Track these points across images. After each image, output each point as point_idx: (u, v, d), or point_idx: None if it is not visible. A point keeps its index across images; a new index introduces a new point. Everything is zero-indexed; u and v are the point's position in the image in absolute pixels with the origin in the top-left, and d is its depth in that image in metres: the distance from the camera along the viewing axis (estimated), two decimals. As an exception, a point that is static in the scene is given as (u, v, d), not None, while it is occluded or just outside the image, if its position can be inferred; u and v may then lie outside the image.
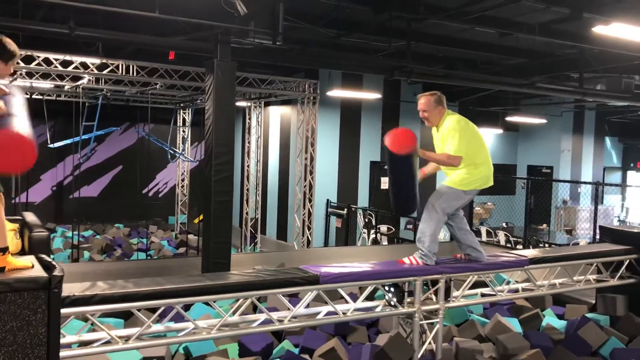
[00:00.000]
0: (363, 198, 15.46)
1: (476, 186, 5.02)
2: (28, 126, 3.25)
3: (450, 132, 4.90)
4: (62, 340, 3.55)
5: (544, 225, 16.38)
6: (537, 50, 11.16)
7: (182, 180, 18.93)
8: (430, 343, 5.02)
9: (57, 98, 15.38)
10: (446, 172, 5.10)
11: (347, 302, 4.95)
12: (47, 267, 3.54)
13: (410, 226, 14.64)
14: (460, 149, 4.85)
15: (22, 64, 10.73)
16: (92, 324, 3.95)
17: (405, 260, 5.05)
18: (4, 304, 3.20)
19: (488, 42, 10.97)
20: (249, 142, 16.83)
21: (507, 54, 11.49)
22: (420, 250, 5.02)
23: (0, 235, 3.52)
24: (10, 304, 3.22)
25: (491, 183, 5.10)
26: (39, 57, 10.80)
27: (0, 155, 3.02)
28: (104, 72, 11.71)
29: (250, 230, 16.42)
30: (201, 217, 16.78)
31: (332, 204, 14.83)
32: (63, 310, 3.49)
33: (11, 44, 3.52)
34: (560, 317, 6.90)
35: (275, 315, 4.51)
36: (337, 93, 13.73)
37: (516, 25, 9.41)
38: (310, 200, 14.04)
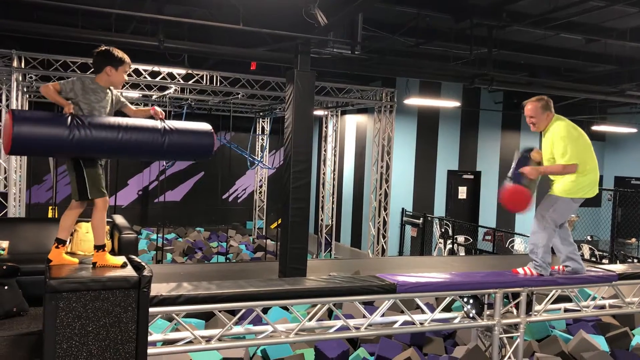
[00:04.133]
0: (439, 207, 15.24)
1: (584, 194, 4.91)
2: None
3: (559, 140, 4.80)
4: (149, 338, 3.71)
5: (633, 240, 15.53)
6: (627, 57, 10.67)
7: (260, 186, 19.34)
8: (510, 358, 4.89)
9: (145, 107, 16.13)
10: (553, 179, 4.96)
11: (423, 312, 4.91)
12: (137, 267, 3.73)
13: (489, 237, 14.29)
14: (573, 156, 4.77)
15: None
16: (176, 324, 4.12)
17: (520, 270, 5.04)
18: (98, 300, 3.40)
19: (573, 48, 10.60)
20: (325, 150, 16.99)
21: (594, 60, 11.06)
22: (534, 261, 4.98)
23: (100, 234, 3.77)
24: (104, 301, 3.41)
25: (597, 191, 4.96)
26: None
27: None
28: (189, 82, 12.20)
29: (325, 237, 16.54)
30: (278, 222, 17.08)
31: (407, 212, 14.71)
32: (151, 309, 3.66)
33: (119, 52, 3.81)
34: (652, 337, 6.52)
35: (351, 322, 4.53)
36: (415, 101, 13.63)
37: (605, 31, 9.05)
38: (385, 209, 13.99)
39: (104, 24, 8.93)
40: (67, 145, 3.52)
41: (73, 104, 3.65)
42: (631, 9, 7.94)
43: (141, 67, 11.48)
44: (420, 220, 14.09)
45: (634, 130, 16.28)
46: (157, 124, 3.81)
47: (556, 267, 5.22)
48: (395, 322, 4.73)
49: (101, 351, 3.38)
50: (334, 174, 16.53)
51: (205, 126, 3.99)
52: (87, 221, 7.13)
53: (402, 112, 14.20)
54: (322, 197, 16.92)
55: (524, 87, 11.15)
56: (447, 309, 5.52)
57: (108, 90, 3.85)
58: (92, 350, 3.36)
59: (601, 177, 17.87)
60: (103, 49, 3.83)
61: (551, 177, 4.98)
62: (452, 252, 13.34)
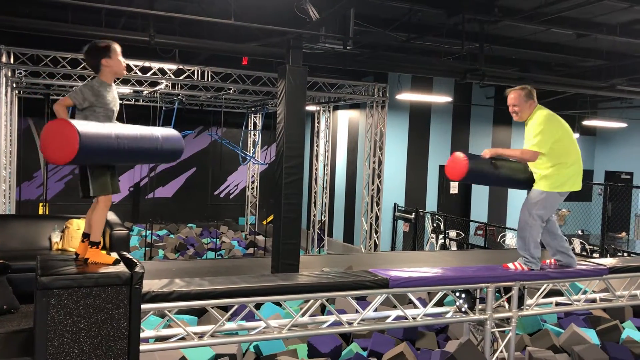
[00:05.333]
0: (431, 202, 15.28)
1: (569, 187, 4.88)
2: None
3: (535, 127, 4.80)
4: (141, 335, 3.70)
5: (623, 234, 15.66)
6: (618, 52, 10.72)
7: (252, 182, 19.31)
8: (502, 351, 4.91)
9: (136, 103, 16.09)
10: (536, 175, 4.96)
11: (416, 306, 4.92)
12: (129, 264, 3.71)
13: (480, 232, 14.35)
14: (542, 145, 4.74)
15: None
16: (168, 320, 4.10)
17: (510, 265, 5.02)
18: (90, 297, 3.38)
19: (564, 43, 10.64)
20: (317, 146, 16.98)
21: (584, 55, 11.11)
22: (524, 257, 4.97)
23: (97, 231, 3.75)
24: (95, 298, 3.39)
25: (580, 186, 4.95)
26: (120, 63, 11.31)
27: None
28: (180, 77, 12.14)
29: (318, 233, 16.56)
30: (270, 218, 17.06)
31: (399, 207, 14.74)
32: (143, 306, 3.64)
33: (103, 41, 3.75)
34: (642, 330, 6.58)
35: (344, 317, 4.54)
36: (407, 96, 13.65)
37: (595, 26, 9.09)
38: (377, 204, 14.02)
39: (94, 19, 8.87)
40: (113, 153, 3.50)
41: (89, 111, 3.60)
42: (621, 4, 7.98)
43: (132, 63, 11.40)
44: (413, 215, 14.12)
45: (624, 125, 16.38)
46: (152, 129, 3.84)
47: (547, 262, 5.24)
48: (387, 317, 4.73)
49: (93, 348, 3.37)
50: (326, 170, 16.53)
51: (174, 131, 4.05)
52: (79, 218, 7.10)
53: (394, 107, 14.21)
54: (315, 192, 16.92)
55: (515, 82, 11.13)
56: (440, 303, 5.53)
57: (113, 84, 3.83)
58: (84, 347, 3.35)
59: (592, 172, 17.99)
60: (87, 47, 3.77)
61: (534, 171, 4.95)
62: (444, 247, 13.39)
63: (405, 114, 14.82)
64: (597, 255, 11.69)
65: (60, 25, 8.08)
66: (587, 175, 17.71)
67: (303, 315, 4.40)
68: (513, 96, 4.96)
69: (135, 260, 3.72)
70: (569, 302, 5.39)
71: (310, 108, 16.60)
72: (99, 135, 3.40)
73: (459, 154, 4.88)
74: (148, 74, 11.80)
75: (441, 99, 14.30)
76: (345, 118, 16.41)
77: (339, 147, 16.65)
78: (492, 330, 4.87)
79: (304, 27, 7.51)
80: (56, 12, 8.90)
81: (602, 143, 18.23)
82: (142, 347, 3.67)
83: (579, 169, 4.93)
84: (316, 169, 16.95)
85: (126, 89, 13.37)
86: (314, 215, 16.77)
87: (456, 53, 10.28)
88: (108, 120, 3.70)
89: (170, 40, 8.48)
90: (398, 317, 4.72)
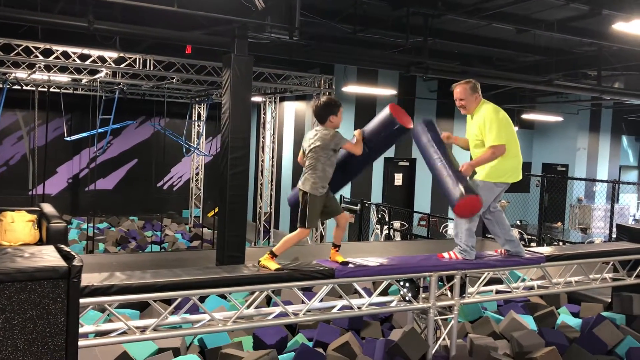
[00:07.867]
0: (376, 194, 15.45)
1: (507, 178, 4.99)
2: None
3: (488, 123, 4.86)
4: (80, 330, 3.59)
5: (559, 223, 16.28)
6: (555, 48, 11.08)
7: (197, 174, 19.01)
8: (444, 339, 5.02)
9: (75, 91, 15.54)
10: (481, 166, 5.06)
11: (361, 296, 4.96)
12: (67, 257, 3.58)
13: (424, 222, 14.62)
14: (501, 137, 4.83)
15: (40, 57, 10.83)
16: (109, 315, 3.99)
17: (445, 255, 5.07)
18: (25, 292, 3.24)
19: (505, 38, 10.92)
20: (263, 137, 16.86)
21: (524, 50, 11.43)
22: (458, 246, 5.03)
23: (280, 248, 4.55)
24: (30, 293, 3.25)
25: (520, 177, 5.06)
26: (57, 50, 10.89)
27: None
28: (121, 66, 11.79)
29: (264, 225, 16.48)
30: (215, 210, 16.85)
31: (345, 199, 14.83)
32: (82, 300, 3.53)
33: (335, 99, 4.87)
34: (576, 315, 6.86)
35: (290, 308, 4.53)
36: (352, 89, 13.71)
37: (534, 22, 9.36)
38: (323, 196, 14.03)
39: (28, 3, 8.47)
40: None
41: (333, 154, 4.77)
42: (557, 1, 8.24)
43: (70, 50, 10.99)
44: (358, 207, 14.24)
45: (560, 118, 16.99)
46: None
47: (499, 251, 5.37)
48: (333, 307, 4.76)
49: (28, 345, 3.23)
50: (272, 161, 16.44)
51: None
52: (13, 210, 6.82)
53: (340, 100, 14.19)
54: (261, 184, 16.81)
55: (458, 76, 11.38)
56: (384, 293, 5.60)
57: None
58: (18, 344, 3.20)
59: (529, 164, 18.60)
60: (324, 101, 4.79)
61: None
62: (388, 238, 13.56)
63: (352, 106, 14.90)
64: (535, 244, 12.11)
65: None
66: (526, 167, 18.21)
67: (248, 307, 4.37)
68: (459, 90, 5.03)
69: (73, 253, 3.59)
70: (509, 290, 5.56)
71: (256, 99, 16.46)
72: None
73: (472, 198, 4.71)
74: (87, 62, 11.40)
75: (386, 91, 14.44)
76: (291, 109, 16.35)
77: (285, 139, 16.58)
78: (435, 318, 4.97)
79: (249, 16, 7.41)
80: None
81: (540, 136, 18.86)
82: (81, 342, 3.56)
83: (518, 161, 5.05)
84: (262, 161, 16.83)
85: (64, 78, 12.88)
86: (260, 207, 16.68)
87: (401, 46, 10.38)
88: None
89: (111, 26, 8.19)
90: (344, 307, 4.75)
